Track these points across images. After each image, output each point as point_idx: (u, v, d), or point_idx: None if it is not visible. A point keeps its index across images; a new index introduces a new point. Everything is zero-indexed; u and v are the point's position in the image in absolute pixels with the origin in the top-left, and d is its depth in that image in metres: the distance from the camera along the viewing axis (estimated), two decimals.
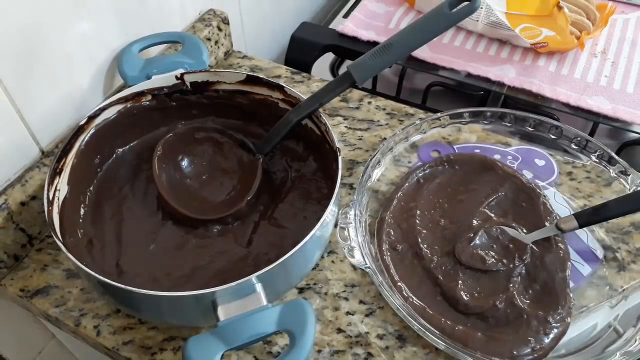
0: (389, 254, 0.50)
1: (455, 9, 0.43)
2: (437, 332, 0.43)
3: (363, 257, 0.45)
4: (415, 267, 0.49)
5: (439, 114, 0.57)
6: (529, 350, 0.44)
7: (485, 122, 0.58)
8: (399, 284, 0.48)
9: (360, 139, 0.61)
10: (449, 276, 0.48)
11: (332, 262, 0.50)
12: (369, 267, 0.45)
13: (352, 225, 0.47)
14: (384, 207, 0.53)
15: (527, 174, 0.56)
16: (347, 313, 0.47)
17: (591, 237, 0.52)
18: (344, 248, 0.46)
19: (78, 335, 0.48)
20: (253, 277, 0.38)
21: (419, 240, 0.51)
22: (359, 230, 0.47)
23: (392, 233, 0.51)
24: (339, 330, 0.46)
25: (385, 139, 0.60)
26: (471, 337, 0.44)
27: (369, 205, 0.52)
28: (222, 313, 0.38)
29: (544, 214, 0.52)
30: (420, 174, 0.56)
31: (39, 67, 0.47)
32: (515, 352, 0.44)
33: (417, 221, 0.52)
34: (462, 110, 0.57)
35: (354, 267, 0.50)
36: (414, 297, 0.47)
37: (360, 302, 0.48)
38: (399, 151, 0.56)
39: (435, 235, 0.52)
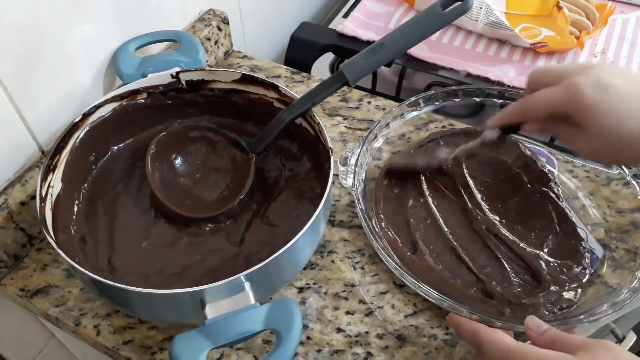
0: (383, 192, 0.54)
1: (448, 9, 0.43)
2: (399, 262, 0.46)
3: (354, 181, 0.49)
4: (402, 210, 0.52)
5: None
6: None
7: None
8: (382, 216, 0.52)
9: (360, 139, 0.61)
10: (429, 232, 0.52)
11: (332, 262, 0.50)
12: (354, 190, 0.49)
13: (355, 156, 0.51)
14: (398, 156, 0.57)
15: None
16: (347, 313, 0.47)
17: (591, 237, 0.52)
18: (341, 173, 0.51)
19: (78, 335, 0.48)
20: (242, 276, 0.38)
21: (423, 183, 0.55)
22: (362, 163, 0.51)
23: (395, 179, 0.55)
24: (339, 330, 0.46)
25: None
26: (423, 268, 0.48)
27: (380, 152, 0.56)
28: (210, 311, 0.38)
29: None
30: (442, 138, 0.59)
31: (39, 67, 0.47)
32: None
33: (424, 178, 0.55)
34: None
35: (353, 268, 0.50)
36: (391, 231, 0.51)
37: (360, 302, 0.48)
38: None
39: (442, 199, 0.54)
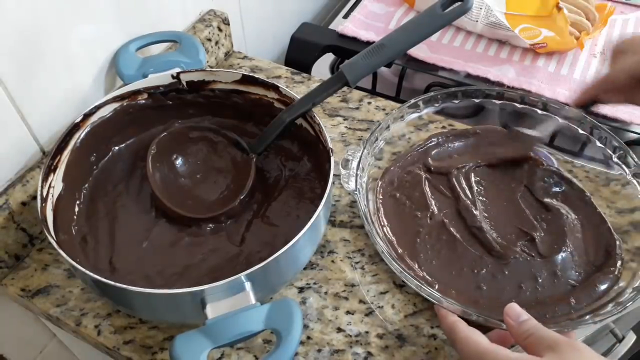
0: (382, 197, 0.54)
1: (448, 9, 0.43)
2: (403, 266, 0.46)
3: (356, 184, 0.49)
4: (404, 213, 0.52)
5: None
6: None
7: None
8: (384, 219, 0.51)
9: (360, 139, 0.61)
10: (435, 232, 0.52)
11: (332, 262, 0.51)
12: (356, 192, 0.49)
13: (357, 159, 0.51)
14: (397, 159, 0.57)
15: None
16: (347, 313, 0.47)
17: None
18: (343, 176, 0.50)
19: (79, 335, 0.48)
20: (242, 276, 0.38)
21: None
22: (363, 166, 0.51)
23: (396, 181, 0.55)
24: (339, 330, 0.46)
25: None
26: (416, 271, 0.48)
27: (380, 152, 0.56)
28: (211, 311, 0.38)
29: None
30: (442, 139, 0.59)
31: (40, 67, 0.47)
32: None
33: (426, 179, 0.55)
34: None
35: (353, 267, 0.50)
36: (394, 233, 0.50)
37: (360, 301, 0.48)
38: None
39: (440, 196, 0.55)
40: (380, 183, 0.55)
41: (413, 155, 0.57)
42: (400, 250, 0.49)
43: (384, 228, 0.51)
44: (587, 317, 0.43)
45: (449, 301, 0.43)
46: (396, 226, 0.52)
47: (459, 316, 0.42)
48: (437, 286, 0.47)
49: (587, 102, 0.51)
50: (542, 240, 0.51)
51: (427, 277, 0.48)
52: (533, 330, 0.37)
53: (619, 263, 0.48)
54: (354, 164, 0.51)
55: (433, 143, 0.59)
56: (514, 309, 0.40)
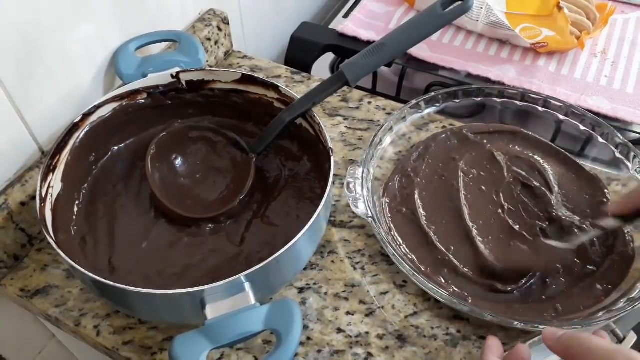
0: (390, 215, 0.52)
1: (448, 9, 0.43)
2: (428, 279, 0.45)
3: (367, 208, 0.48)
4: (413, 227, 0.51)
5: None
6: None
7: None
8: (397, 237, 0.50)
9: (360, 139, 0.61)
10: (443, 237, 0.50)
11: (332, 262, 0.50)
12: (371, 217, 0.47)
13: (358, 182, 0.49)
14: (394, 170, 0.56)
15: None
16: (347, 313, 0.47)
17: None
18: (349, 199, 0.49)
19: (78, 335, 0.48)
20: (242, 276, 0.38)
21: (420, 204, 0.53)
22: (364, 187, 0.49)
23: (397, 195, 0.54)
24: (339, 330, 0.46)
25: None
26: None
27: (379, 167, 0.55)
28: (210, 311, 0.38)
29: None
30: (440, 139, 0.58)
31: (39, 67, 0.47)
32: None
33: (421, 188, 0.54)
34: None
35: (354, 268, 0.50)
36: (408, 252, 0.49)
37: (360, 302, 0.48)
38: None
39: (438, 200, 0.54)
40: (383, 200, 0.53)
41: (404, 165, 0.56)
42: (423, 268, 0.48)
43: (401, 247, 0.50)
44: (600, 314, 0.43)
45: (490, 314, 0.42)
46: (412, 243, 0.50)
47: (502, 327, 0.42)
48: (470, 300, 0.46)
49: (630, 212, 0.42)
50: (550, 227, 0.51)
51: (457, 290, 0.47)
52: (572, 342, 0.34)
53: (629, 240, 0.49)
54: (358, 189, 0.49)
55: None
56: (549, 329, 0.37)
